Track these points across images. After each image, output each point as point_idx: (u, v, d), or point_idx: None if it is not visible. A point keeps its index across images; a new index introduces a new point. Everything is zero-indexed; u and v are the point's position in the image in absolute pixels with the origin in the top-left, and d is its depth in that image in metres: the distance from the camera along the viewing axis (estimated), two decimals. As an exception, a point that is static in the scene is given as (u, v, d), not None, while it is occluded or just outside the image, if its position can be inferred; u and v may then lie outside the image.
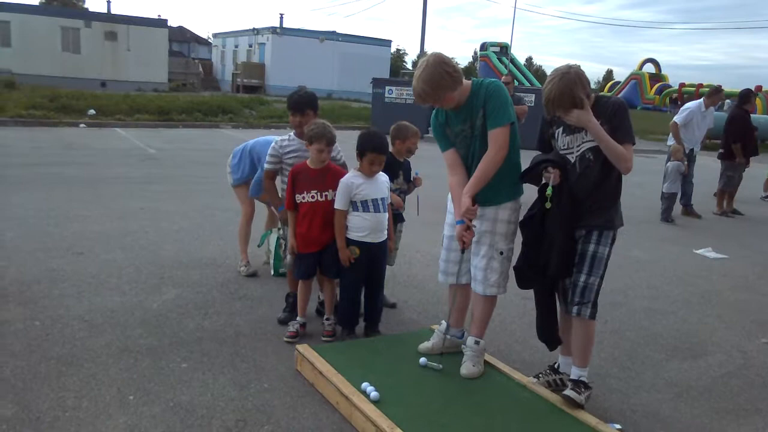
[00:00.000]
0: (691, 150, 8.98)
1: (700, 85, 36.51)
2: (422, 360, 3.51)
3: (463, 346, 3.57)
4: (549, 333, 3.42)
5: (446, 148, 3.45)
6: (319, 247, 3.93)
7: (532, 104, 15.35)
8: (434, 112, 3.45)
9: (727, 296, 5.57)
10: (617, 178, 3.17)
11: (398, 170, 4.46)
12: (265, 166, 4.20)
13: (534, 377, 3.48)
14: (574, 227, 3.17)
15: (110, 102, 19.13)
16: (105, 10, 37.11)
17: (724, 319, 4.96)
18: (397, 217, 4.55)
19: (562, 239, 3.16)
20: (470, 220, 3.27)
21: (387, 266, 4.46)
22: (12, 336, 3.79)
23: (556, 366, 3.53)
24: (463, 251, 3.41)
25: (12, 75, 25.36)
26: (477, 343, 3.49)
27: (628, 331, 4.54)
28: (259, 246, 5.34)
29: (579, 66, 3.06)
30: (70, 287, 4.65)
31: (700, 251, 7.09)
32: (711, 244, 7.32)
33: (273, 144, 4.18)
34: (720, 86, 9.44)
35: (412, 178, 4.56)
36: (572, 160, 3.17)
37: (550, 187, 3.14)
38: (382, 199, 3.89)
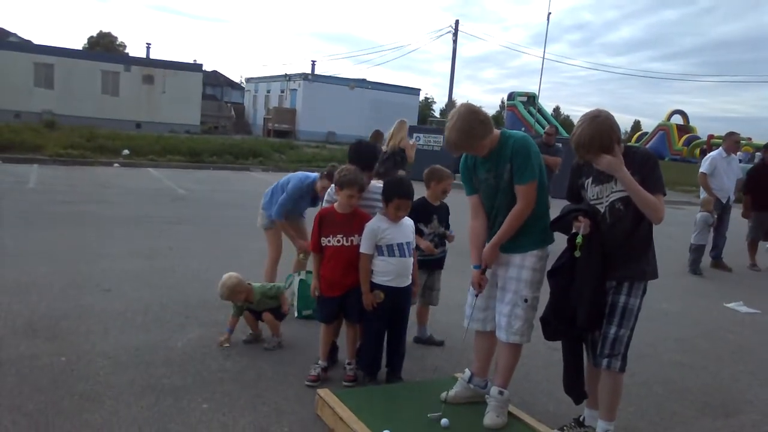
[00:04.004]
0: (727, 199, 8.84)
1: (730, 137, 36.18)
2: (444, 421, 3.34)
3: (486, 396, 3.51)
4: (575, 386, 3.35)
5: (471, 192, 3.52)
6: (342, 291, 3.94)
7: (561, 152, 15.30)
8: (464, 155, 3.51)
9: (761, 352, 5.41)
10: (648, 229, 3.14)
11: (432, 215, 4.60)
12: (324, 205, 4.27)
13: (559, 430, 3.40)
14: (604, 278, 3.14)
15: (144, 142, 19.67)
16: (144, 55, 38.53)
17: (757, 376, 4.81)
18: (438, 262, 4.71)
19: (591, 290, 3.12)
20: (487, 267, 3.38)
21: (430, 307, 4.81)
22: (39, 371, 3.84)
23: (581, 419, 3.45)
24: (477, 296, 3.47)
25: (53, 116, 26.29)
26: (501, 393, 3.43)
27: (656, 385, 4.43)
28: (284, 288, 5.36)
29: (608, 111, 3.06)
30: (97, 324, 4.72)
31: (731, 305, 6.92)
32: (742, 298, 7.14)
33: (329, 189, 4.24)
34: (733, 131, 9.28)
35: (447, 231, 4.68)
36: (602, 211, 3.15)
37: (580, 236, 3.11)
38: (408, 243, 3.91)
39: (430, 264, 4.67)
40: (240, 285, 4.42)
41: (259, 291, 4.54)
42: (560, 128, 37.20)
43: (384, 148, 8.45)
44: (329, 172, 5.02)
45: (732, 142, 8.96)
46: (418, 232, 4.53)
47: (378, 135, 9.98)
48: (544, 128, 13.92)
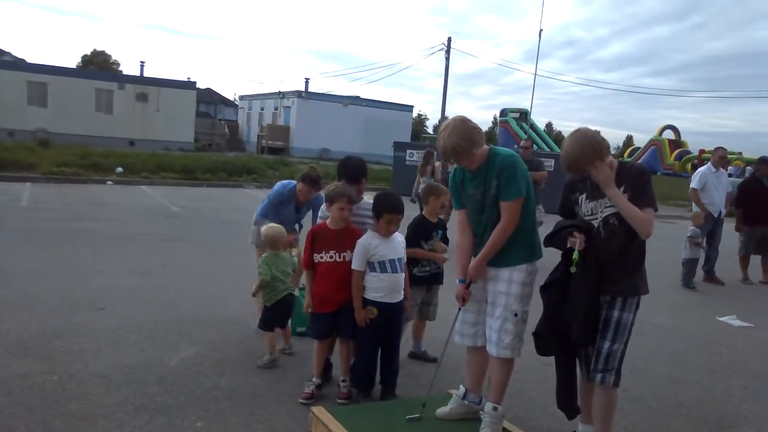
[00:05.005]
0: (719, 213, 8.89)
1: (721, 152, 36.41)
2: None
3: (481, 412, 3.51)
4: (568, 401, 3.35)
5: (459, 207, 3.58)
6: (335, 307, 3.94)
7: (552, 169, 15.43)
8: (453, 171, 3.57)
9: (754, 366, 5.42)
10: (641, 244, 3.16)
11: (431, 231, 4.58)
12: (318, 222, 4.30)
13: (553, 446, 3.39)
14: (598, 293, 3.15)
15: (137, 160, 19.67)
16: (138, 73, 38.64)
17: (751, 389, 4.82)
18: (436, 277, 4.66)
19: (586, 305, 3.13)
20: (471, 282, 3.42)
21: (428, 321, 4.79)
22: (29, 390, 3.81)
23: (575, 434, 3.45)
24: (460, 309, 3.51)
25: (47, 134, 26.27)
26: (495, 409, 3.43)
27: (649, 400, 4.43)
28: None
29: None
30: (89, 342, 4.69)
31: (723, 318, 6.94)
32: (735, 312, 7.16)
33: (322, 206, 4.25)
34: (720, 147, 9.41)
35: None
36: (596, 226, 3.17)
37: (576, 252, 3.12)
38: (399, 259, 3.92)
39: (429, 279, 4.64)
40: (281, 236, 4.62)
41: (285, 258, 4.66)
42: (553, 144, 37.44)
43: (439, 164, 9.46)
44: (305, 174, 5.02)
45: (717, 157, 9.05)
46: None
47: (429, 155, 10.97)
48: (539, 144, 14.10)
